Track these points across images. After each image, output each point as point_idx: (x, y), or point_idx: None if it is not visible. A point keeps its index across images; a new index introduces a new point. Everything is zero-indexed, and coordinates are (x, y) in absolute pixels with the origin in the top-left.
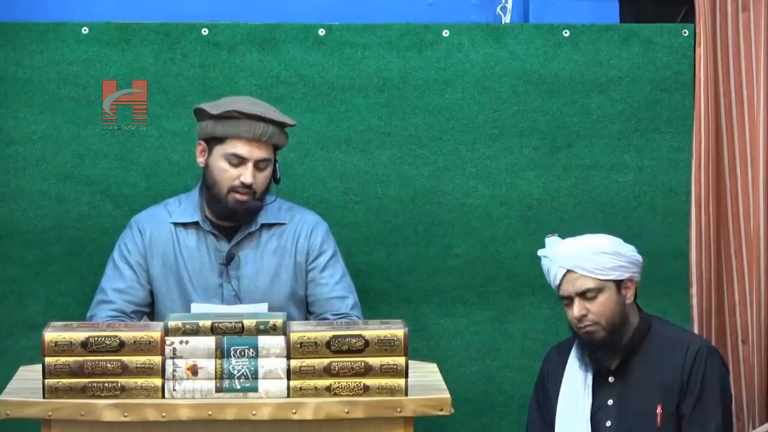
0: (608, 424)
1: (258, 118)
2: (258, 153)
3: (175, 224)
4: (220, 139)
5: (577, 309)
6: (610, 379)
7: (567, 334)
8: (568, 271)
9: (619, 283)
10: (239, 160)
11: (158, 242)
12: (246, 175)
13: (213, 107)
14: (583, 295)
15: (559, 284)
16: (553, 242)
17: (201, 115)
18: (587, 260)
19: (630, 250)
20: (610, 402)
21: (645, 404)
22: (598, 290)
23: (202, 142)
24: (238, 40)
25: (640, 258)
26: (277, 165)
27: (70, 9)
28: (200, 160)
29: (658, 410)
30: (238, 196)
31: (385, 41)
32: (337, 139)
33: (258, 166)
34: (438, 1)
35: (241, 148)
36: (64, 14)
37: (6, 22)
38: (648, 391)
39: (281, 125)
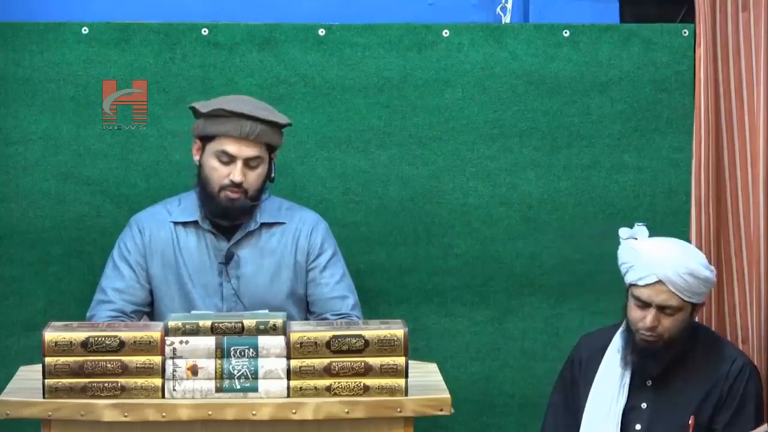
0: (638, 427)
1: (246, 117)
2: (247, 151)
3: (175, 223)
4: (210, 137)
5: (651, 319)
6: (648, 382)
7: (567, 334)
8: (660, 281)
9: (695, 306)
10: (229, 158)
11: (158, 241)
12: (235, 173)
13: (203, 105)
14: (662, 308)
15: (642, 286)
16: (641, 233)
17: (194, 113)
18: (683, 280)
19: (714, 276)
20: (644, 405)
21: (679, 413)
22: (678, 309)
23: (197, 140)
24: (238, 40)
25: None
26: (272, 164)
27: (70, 9)
28: (196, 157)
29: (691, 421)
30: (229, 194)
31: (385, 41)
32: (337, 139)
33: (248, 164)
34: (438, 1)
35: (230, 146)
36: (64, 14)
37: (6, 22)
38: (684, 401)
39: (272, 124)
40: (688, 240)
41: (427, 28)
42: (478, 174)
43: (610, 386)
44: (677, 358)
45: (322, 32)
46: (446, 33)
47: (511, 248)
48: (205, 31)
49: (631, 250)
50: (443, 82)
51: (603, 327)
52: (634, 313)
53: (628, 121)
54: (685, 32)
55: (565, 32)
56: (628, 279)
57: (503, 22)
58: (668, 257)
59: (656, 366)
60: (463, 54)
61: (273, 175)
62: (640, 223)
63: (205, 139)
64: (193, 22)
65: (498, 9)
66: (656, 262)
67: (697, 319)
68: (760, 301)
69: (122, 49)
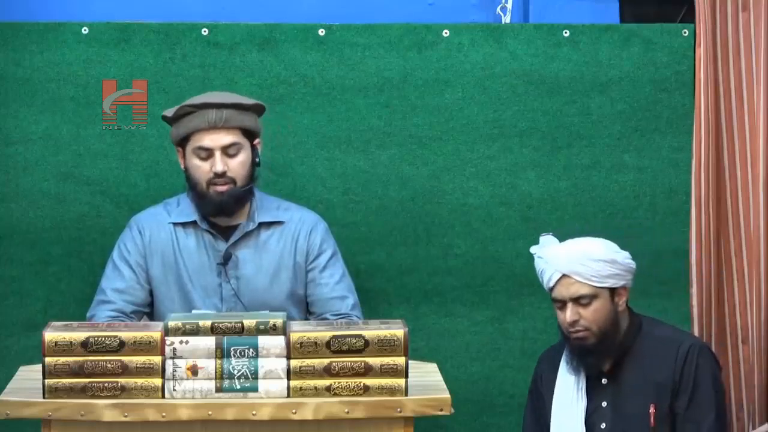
0: (603, 426)
1: (209, 106)
2: (221, 140)
3: (174, 224)
4: (185, 139)
5: (569, 314)
6: (603, 381)
7: None
8: (564, 275)
9: (612, 291)
10: (206, 152)
11: (158, 242)
12: (216, 164)
13: (169, 111)
14: (576, 300)
15: (553, 287)
16: (547, 241)
17: (166, 121)
18: (584, 266)
19: (625, 258)
20: (605, 404)
21: (638, 405)
22: (593, 297)
23: (177, 148)
24: (238, 40)
25: (634, 265)
26: (256, 149)
27: (70, 9)
28: (182, 165)
29: (651, 410)
30: (217, 188)
31: (385, 41)
32: (337, 139)
33: (227, 152)
34: (438, 1)
35: (203, 140)
36: (64, 14)
37: (6, 22)
38: (641, 392)
39: (238, 107)
40: (688, 240)
41: (427, 28)
42: (478, 174)
43: (568, 393)
44: (621, 351)
45: (322, 32)
46: (446, 33)
47: (511, 248)
48: (205, 31)
49: (537, 258)
50: (443, 82)
51: (558, 341)
52: (559, 316)
53: (628, 121)
54: (685, 32)
55: (565, 32)
56: (545, 286)
57: (503, 22)
58: (567, 251)
59: (599, 362)
60: (463, 54)
61: (258, 159)
62: (545, 234)
63: (183, 143)
64: (193, 22)
65: (498, 9)
66: (557, 259)
67: (695, 314)
68: (760, 301)
69: (122, 49)
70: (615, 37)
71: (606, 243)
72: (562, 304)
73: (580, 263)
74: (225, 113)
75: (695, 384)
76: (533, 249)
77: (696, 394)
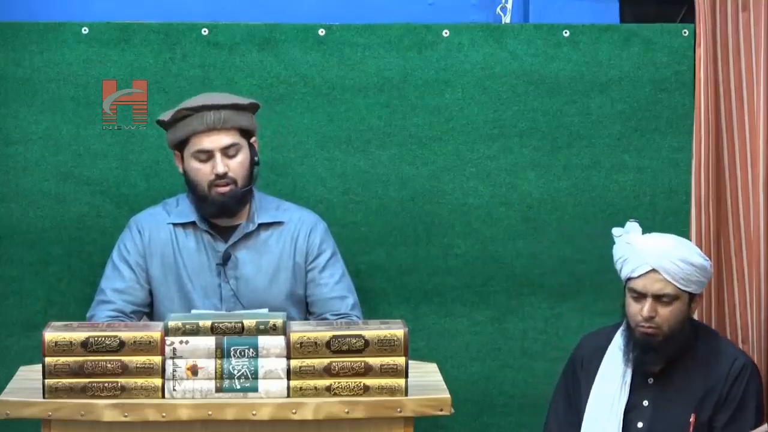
0: (640, 425)
1: (206, 108)
2: (220, 141)
3: (174, 224)
4: (183, 142)
5: (647, 309)
6: (650, 380)
7: (567, 334)
8: (653, 269)
9: (692, 297)
10: (206, 155)
11: (157, 242)
12: (217, 166)
13: (165, 115)
14: (658, 297)
15: (636, 278)
16: (633, 228)
17: (161, 126)
18: (675, 266)
19: (710, 266)
20: (646, 403)
21: (680, 411)
22: (674, 298)
23: (175, 151)
24: (238, 40)
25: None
26: (254, 147)
27: (70, 9)
28: (180, 168)
29: (692, 419)
30: (219, 189)
31: (385, 41)
32: (337, 139)
33: (226, 153)
34: (438, 1)
35: (202, 143)
36: (64, 14)
37: (6, 22)
38: (685, 399)
39: (234, 107)
40: (688, 240)
41: (427, 28)
42: (478, 174)
43: (611, 384)
44: (678, 355)
45: (322, 32)
46: (446, 33)
47: (511, 248)
48: (205, 31)
49: (624, 244)
50: (443, 82)
51: (604, 326)
52: (632, 307)
53: (628, 121)
54: (685, 32)
55: (565, 32)
56: (624, 273)
57: (503, 22)
58: (660, 246)
59: (657, 361)
60: (463, 54)
61: (256, 158)
62: (632, 220)
63: (180, 146)
64: (193, 22)
65: (498, 9)
66: (649, 251)
67: (696, 317)
68: (760, 301)
69: (122, 49)
70: (615, 37)
71: (698, 249)
72: (641, 296)
73: (671, 261)
74: (223, 114)
75: (741, 403)
76: (616, 231)
77: (739, 413)
